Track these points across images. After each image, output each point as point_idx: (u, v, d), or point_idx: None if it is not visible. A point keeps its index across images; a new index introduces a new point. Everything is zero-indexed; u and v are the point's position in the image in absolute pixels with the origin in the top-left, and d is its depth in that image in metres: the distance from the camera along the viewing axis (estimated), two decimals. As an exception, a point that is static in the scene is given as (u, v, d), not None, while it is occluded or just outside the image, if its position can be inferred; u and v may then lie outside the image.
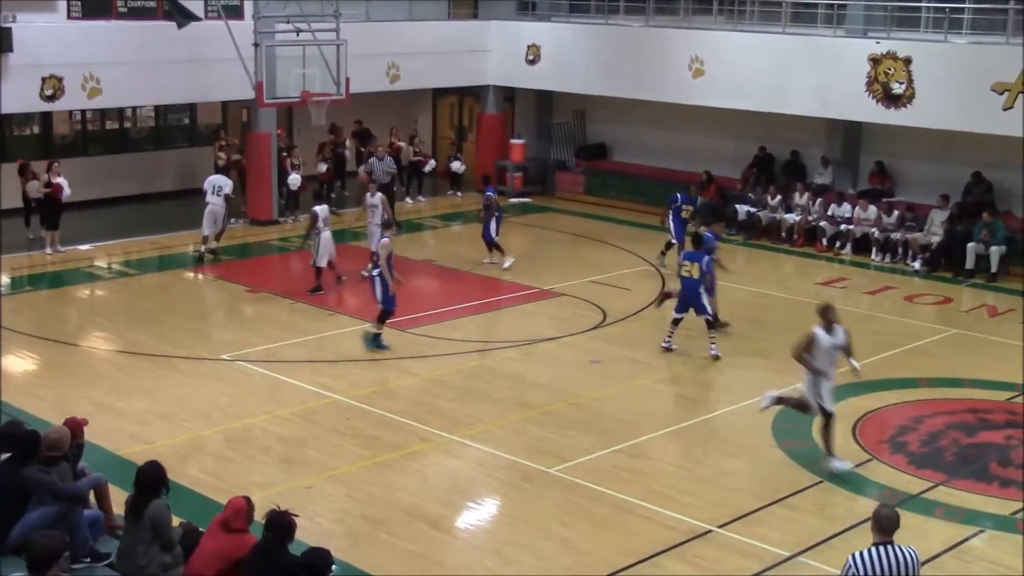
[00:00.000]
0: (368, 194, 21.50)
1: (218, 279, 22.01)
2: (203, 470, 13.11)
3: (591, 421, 15.01)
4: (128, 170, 27.61)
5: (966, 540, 12.10)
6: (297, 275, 22.58)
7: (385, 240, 17.38)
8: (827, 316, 13.47)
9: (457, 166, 29.53)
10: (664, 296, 18.96)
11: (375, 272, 17.36)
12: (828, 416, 13.44)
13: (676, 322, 17.60)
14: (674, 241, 22.03)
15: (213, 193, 22.60)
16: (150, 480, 9.41)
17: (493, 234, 22.24)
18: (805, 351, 13.35)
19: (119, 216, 25.87)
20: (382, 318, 17.42)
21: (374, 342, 17.42)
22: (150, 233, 24.54)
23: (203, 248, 22.62)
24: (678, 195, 22.43)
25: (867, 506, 12.75)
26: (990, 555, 11.85)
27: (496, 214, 22.28)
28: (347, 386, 15.99)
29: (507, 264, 22.16)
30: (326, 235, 20.20)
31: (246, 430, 14.55)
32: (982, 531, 12.32)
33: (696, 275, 17.33)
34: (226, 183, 22.94)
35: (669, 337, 17.64)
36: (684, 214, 22.22)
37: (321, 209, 20.37)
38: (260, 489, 11.92)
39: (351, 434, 14.42)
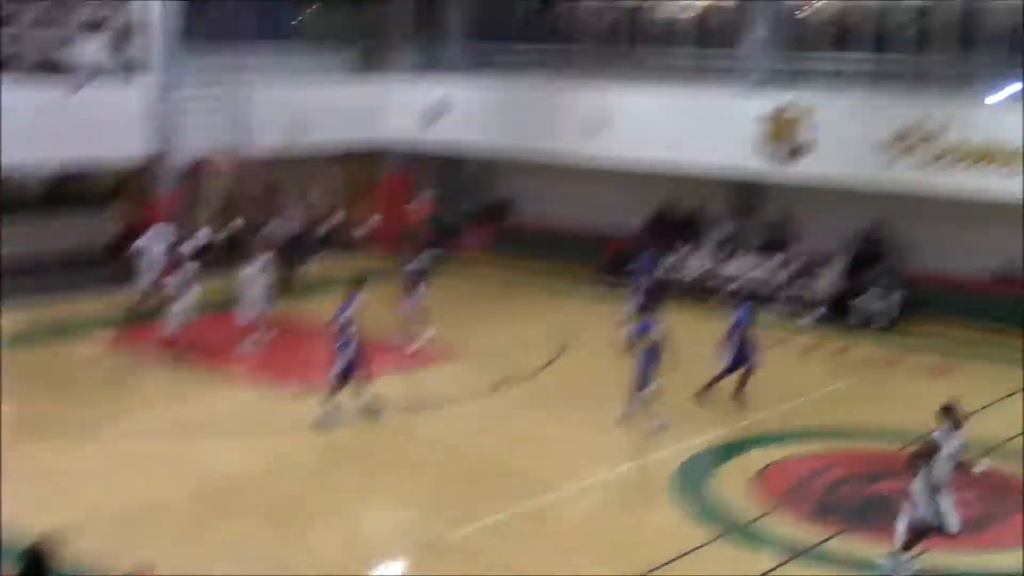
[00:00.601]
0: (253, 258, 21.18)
1: (111, 348, 21.44)
2: (92, 550, 12.80)
3: (490, 480, 15.00)
4: (19, 235, 26.74)
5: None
6: (194, 340, 22.24)
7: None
8: (954, 416, 12.24)
9: (367, 228, 29.49)
10: None
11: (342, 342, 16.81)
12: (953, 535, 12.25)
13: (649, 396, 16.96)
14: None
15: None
16: (36, 561, 9.24)
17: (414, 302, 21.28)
18: (922, 459, 12.08)
19: (7, 284, 24.88)
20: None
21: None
22: (40, 302, 23.64)
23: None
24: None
25: (767, 561, 12.91)
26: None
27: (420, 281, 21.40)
28: (245, 456, 15.78)
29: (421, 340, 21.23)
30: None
31: (141, 509, 14.17)
32: (880, 579, 12.50)
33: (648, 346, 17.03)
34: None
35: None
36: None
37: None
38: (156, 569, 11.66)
39: (249, 509, 14.14)
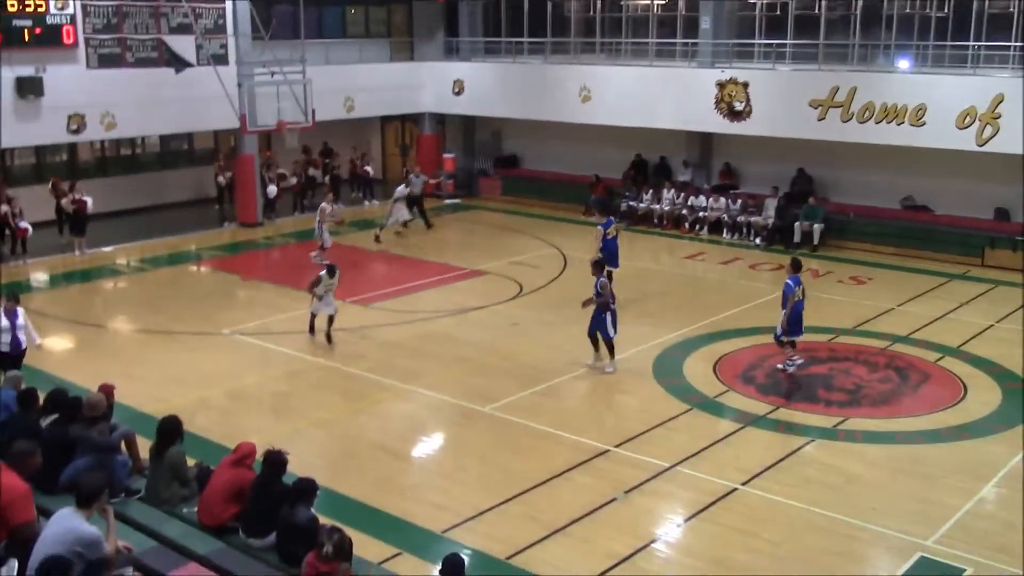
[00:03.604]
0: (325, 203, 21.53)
1: (216, 271, 21.67)
2: (210, 421, 12.93)
3: (513, 370, 15.03)
4: (141, 186, 26.99)
5: (801, 448, 12.34)
6: (278, 265, 22.36)
7: (605, 281, 14.84)
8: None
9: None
10: None
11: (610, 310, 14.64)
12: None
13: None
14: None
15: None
16: (168, 431, 9.31)
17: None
18: None
19: (135, 223, 25.27)
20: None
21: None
22: (161, 236, 24.05)
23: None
24: None
25: (726, 427, 12.98)
26: (819, 457, 12.12)
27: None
28: (323, 351, 15.85)
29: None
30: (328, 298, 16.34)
31: (243, 389, 14.37)
32: (812, 440, 12.57)
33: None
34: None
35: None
36: None
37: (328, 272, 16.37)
38: (256, 434, 11.71)
39: (329, 388, 14.30)
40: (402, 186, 24.49)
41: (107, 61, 22.35)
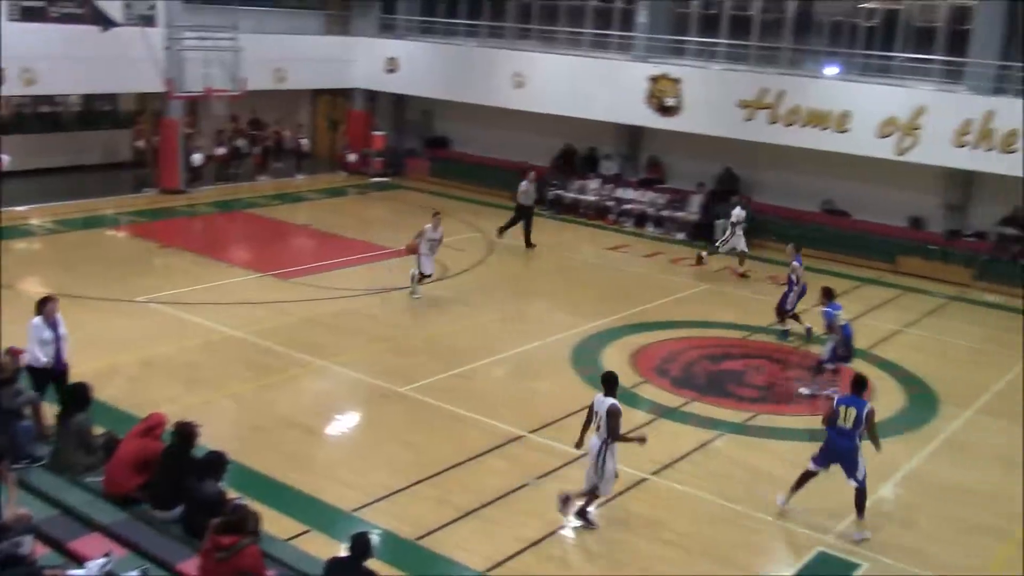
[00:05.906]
0: (430, 226, 17.45)
1: (133, 237, 21.17)
2: (119, 390, 12.66)
3: (432, 351, 15.01)
4: (59, 146, 26.20)
5: (711, 441, 12.57)
6: (199, 234, 21.94)
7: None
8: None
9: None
10: None
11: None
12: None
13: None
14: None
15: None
16: (75, 397, 9.13)
17: (788, 306, 16.95)
18: None
19: (52, 184, 24.53)
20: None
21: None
22: (77, 198, 23.40)
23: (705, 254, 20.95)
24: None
25: (640, 417, 13.12)
26: (727, 451, 12.38)
27: (798, 288, 16.80)
28: (239, 323, 15.61)
29: (804, 331, 16.86)
30: None
31: (155, 357, 14.08)
32: (722, 434, 12.80)
33: (851, 425, 10.39)
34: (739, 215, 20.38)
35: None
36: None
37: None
38: (167, 404, 11.55)
39: (243, 362, 14.10)
40: (737, 208, 20.78)
41: (29, 15, 21.65)
